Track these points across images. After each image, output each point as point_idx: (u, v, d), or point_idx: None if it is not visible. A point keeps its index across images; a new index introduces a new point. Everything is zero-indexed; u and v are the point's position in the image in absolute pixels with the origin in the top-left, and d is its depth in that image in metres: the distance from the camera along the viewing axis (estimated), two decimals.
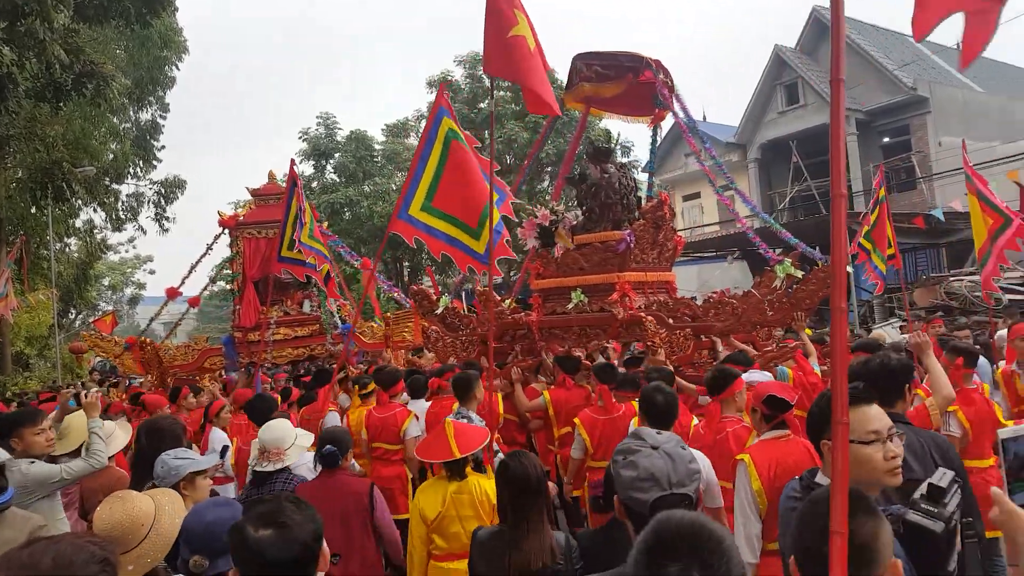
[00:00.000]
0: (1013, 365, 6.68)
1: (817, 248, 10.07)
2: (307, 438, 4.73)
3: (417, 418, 6.74)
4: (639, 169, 26.32)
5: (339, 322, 14.04)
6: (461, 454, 4.15)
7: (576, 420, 6.13)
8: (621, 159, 24.88)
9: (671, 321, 7.67)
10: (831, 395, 1.83)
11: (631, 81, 9.31)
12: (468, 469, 4.27)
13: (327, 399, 7.45)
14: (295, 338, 12.63)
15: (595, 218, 8.51)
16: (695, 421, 5.50)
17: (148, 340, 12.13)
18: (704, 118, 32.82)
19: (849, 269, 9.84)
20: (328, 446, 4.42)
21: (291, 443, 4.52)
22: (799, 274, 7.26)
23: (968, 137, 22.96)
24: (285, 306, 12.88)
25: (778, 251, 8.79)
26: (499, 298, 9.23)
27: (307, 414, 7.23)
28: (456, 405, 5.99)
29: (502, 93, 26.90)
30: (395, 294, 14.55)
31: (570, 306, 8.15)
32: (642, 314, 7.50)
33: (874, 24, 30.99)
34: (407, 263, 31.69)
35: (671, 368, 6.64)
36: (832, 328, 1.89)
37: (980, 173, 8.81)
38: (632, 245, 8.03)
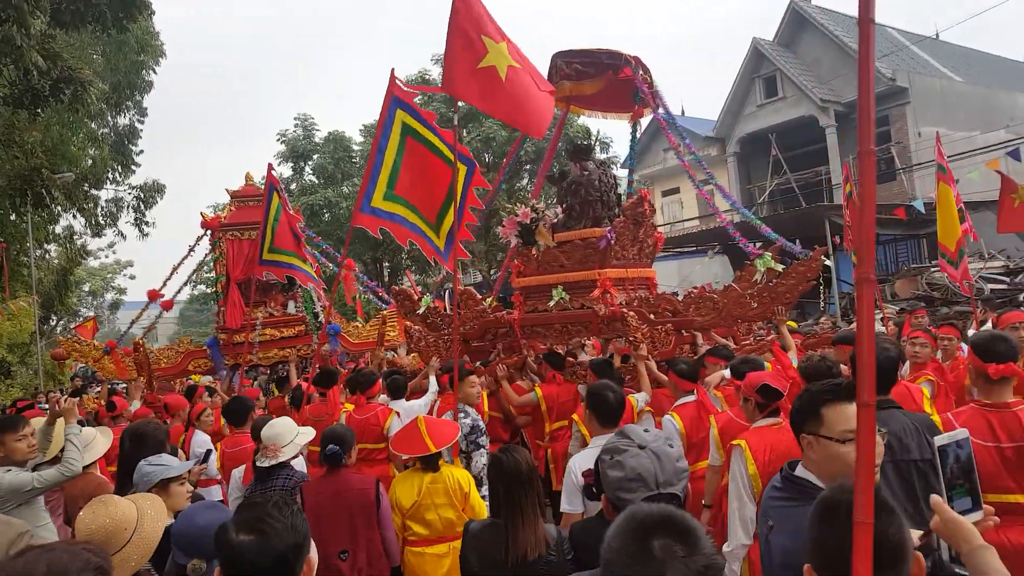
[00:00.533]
0: None
1: (797, 241, 10.09)
2: (307, 435, 4.83)
3: (399, 415, 6.78)
4: (618, 165, 26.38)
5: (322, 322, 14.00)
6: (436, 448, 4.37)
7: (575, 416, 6.18)
8: (600, 155, 24.96)
9: (652, 317, 7.69)
10: (857, 374, 1.70)
11: (611, 78, 9.30)
12: (441, 461, 4.48)
13: (337, 400, 7.48)
14: (281, 339, 12.58)
15: (576, 215, 8.50)
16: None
17: (141, 341, 12.10)
18: (683, 112, 32.93)
19: (829, 263, 9.90)
20: (331, 445, 4.49)
21: (289, 440, 4.61)
22: (779, 268, 7.29)
23: (948, 127, 23.23)
24: (269, 307, 12.83)
25: (758, 245, 8.82)
26: (480, 296, 9.22)
27: (317, 415, 7.15)
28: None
29: None
30: (379, 294, 14.51)
31: (551, 303, 8.16)
32: (624, 310, 7.51)
33: (853, 16, 31.08)
34: (387, 263, 31.60)
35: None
36: (857, 302, 1.77)
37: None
38: (613, 242, 8.04)
